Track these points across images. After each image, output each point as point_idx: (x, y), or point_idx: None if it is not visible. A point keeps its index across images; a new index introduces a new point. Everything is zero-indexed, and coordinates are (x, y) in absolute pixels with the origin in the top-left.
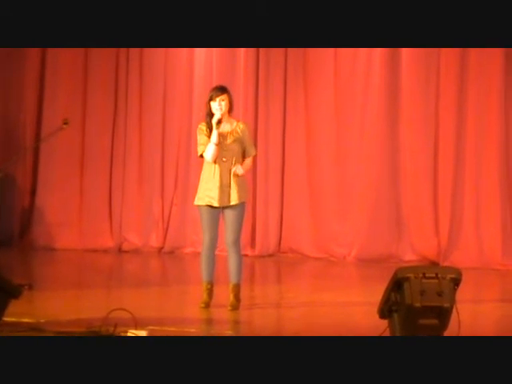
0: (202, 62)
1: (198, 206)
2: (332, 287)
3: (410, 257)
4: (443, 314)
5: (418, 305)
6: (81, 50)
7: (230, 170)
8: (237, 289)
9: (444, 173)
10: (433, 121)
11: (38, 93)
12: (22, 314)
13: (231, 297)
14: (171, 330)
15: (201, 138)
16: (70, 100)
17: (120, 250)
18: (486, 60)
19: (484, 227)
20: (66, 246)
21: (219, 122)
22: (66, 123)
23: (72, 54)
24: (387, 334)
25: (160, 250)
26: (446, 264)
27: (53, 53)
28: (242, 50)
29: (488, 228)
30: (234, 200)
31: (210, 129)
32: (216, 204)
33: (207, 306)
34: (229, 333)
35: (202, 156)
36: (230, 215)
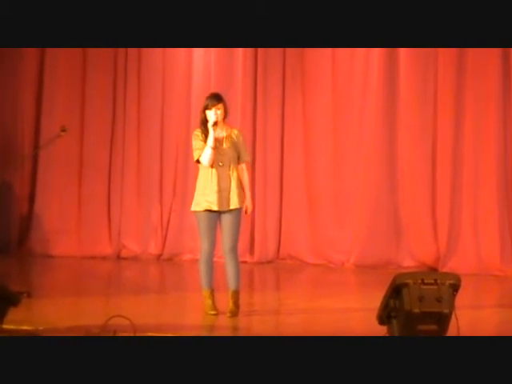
0: (200, 68)
1: (196, 212)
2: (331, 294)
3: (408, 263)
4: (442, 320)
5: (416, 311)
6: (79, 58)
7: (228, 175)
8: (236, 295)
9: (442, 179)
10: (431, 127)
11: (36, 100)
12: (20, 321)
13: (230, 303)
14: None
15: (196, 143)
16: (68, 107)
17: (119, 257)
18: (484, 61)
19: (482, 233)
20: (65, 253)
21: (215, 124)
22: (63, 130)
23: (69, 62)
24: None
25: (159, 256)
26: (444, 270)
27: (51, 59)
28: (240, 52)
29: (486, 234)
30: (234, 204)
31: (206, 135)
32: (215, 208)
33: (218, 312)
34: None
35: (198, 161)
36: (228, 220)
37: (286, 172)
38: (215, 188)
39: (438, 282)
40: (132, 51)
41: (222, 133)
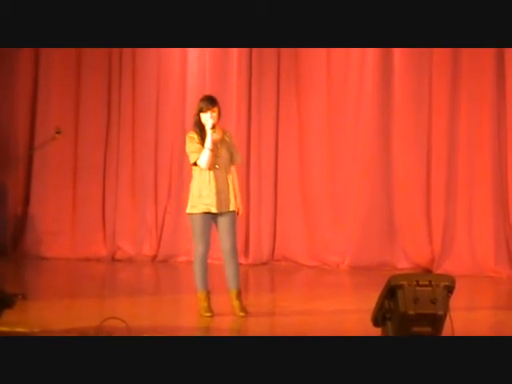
0: (194, 70)
1: (192, 214)
2: (326, 295)
3: (403, 264)
4: (437, 322)
5: (411, 312)
6: (73, 59)
7: (225, 177)
8: (241, 294)
9: (437, 181)
10: (425, 129)
11: (31, 102)
12: (15, 323)
13: (238, 303)
14: None
15: (192, 145)
16: (62, 109)
17: (113, 259)
18: (478, 62)
19: (477, 235)
20: (59, 255)
21: (214, 126)
22: (58, 132)
23: (64, 63)
24: None
25: (153, 258)
26: (439, 271)
27: (45, 59)
28: (235, 55)
29: (481, 235)
30: (233, 206)
31: (202, 137)
32: (214, 210)
33: (213, 314)
34: None
35: (194, 164)
36: (225, 222)
37: (281, 174)
38: (214, 190)
39: (433, 283)
40: (126, 52)
41: (217, 135)
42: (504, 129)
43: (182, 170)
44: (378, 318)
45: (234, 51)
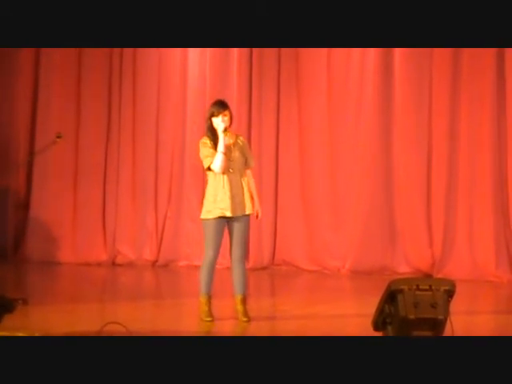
0: (195, 73)
1: (206, 219)
2: (326, 300)
3: (403, 269)
4: (437, 326)
5: (411, 317)
6: (73, 61)
7: (239, 180)
8: (245, 300)
9: (437, 184)
10: (426, 133)
11: (31, 107)
12: (16, 328)
13: (242, 308)
14: None
15: (206, 150)
16: (63, 114)
17: (114, 264)
18: (479, 62)
19: (477, 239)
20: (60, 259)
21: (225, 130)
22: (59, 137)
23: (65, 65)
24: None
25: (154, 263)
26: (439, 276)
27: (46, 62)
28: (235, 56)
29: (481, 240)
30: (249, 209)
31: (214, 142)
32: (229, 214)
33: (213, 319)
34: None
35: (208, 168)
36: (238, 228)
37: (281, 179)
38: (228, 194)
39: (433, 287)
40: (127, 52)
41: (230, 139)
42: (504, 131)
43: (183, 175)
44: (379, 323)
45: (235, 52)
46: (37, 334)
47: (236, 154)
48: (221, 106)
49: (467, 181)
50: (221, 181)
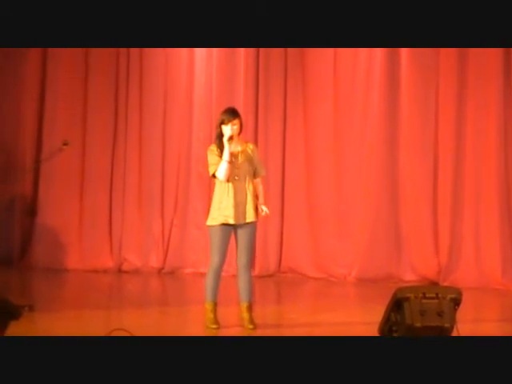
0: (201, 77)
1: (211, 226)
2: (332, 307)
3: (409, 277)
4: (444, 334)
5: (418, 325)
6: (80, 63)
7: (244, 188)
8: (251, 307)
9: (443, 193)
10: (432, 140)
11: (38, 112)
12: (22, 334)
13: (247, 316)
14: None
15: (212, 158)
16: (69, 121)
17: (120, 271)
18: (485, 64)
19: (484, 247)
20: (66, 266)
21: (231, 138)
22: (65, 144)
23: (71, 67)
24: None
25: (160, 270)
26: (445, 284)
27: (52, 64)
28: (242, 58)
29: (488, 248)
30: (251, 217)
31: (221, 149)
32: (232, 221)
33: (219, 326)
34: None
35: (214, 176)
36: (244, 235)
37: (287, 184)
38: (232, 202)
39: (440, 296)
40: (134, 54)
41: (237, 147)
42: (511, 138)
43: (189, 182)
44: (385, 331)
45: (241, 54)
46: None
47: (243, 161)
48: (231, 114)
49: (473, 188)
50: (226, 188)
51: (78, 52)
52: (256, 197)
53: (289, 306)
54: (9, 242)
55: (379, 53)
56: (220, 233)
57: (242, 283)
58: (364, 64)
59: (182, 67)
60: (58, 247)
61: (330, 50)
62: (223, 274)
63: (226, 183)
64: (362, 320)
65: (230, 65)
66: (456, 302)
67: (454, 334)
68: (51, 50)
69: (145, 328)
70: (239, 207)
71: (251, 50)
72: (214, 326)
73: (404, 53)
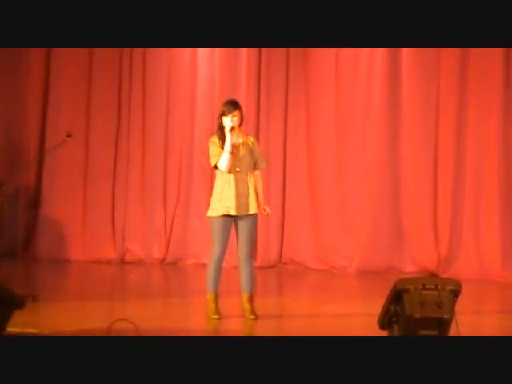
0: (204, 74)
1: (212, 217)
2: (333, 299)
3: (410, 268)
4: (443, 326)
5: (417, 316)
6: (84, 62)
7: (246, 180)
8: (252, 298)
9: (444, 186)
10: (433, 135)
11: (42, 106)
12: (25, 324)
13: (249, 306)
14: None
15: (214, 149)
16: (73, 113)
17: (123, 261)
18: (486, 63)
19: (483, 239)
20: (70, 257)
21: (232, 129)
22: (69, 136)
23: (75, 65)
24: None
25: (162, 261)
26: (445, 276)
27: (56, 62)
28: (244, 57)
29: (487, 240)
30: (253, 209)
31: (223, 141)
32: (233, 213)
33: (220, 316)
34: None
35: (215, 167)
36: (245, 226)
37: (289, 177)
38: (233, 193)
39: (439, 287)
40: (137, 53)
41: (238, 139)
42: (511, 133)
43: (191, 174)
44: (385, 322)
45: (243, 52)
46: (46, 331)
47: (244, 153)
48: (232, 105)
49: (473, 182)
50: (227, 179)
51: (81, 51)
52: (256, 189)
53: (290, 297)
54: (13, 234)
55: (380, 52)
56: (221, 224)
57: (244, 274)
58: (366, 62)
59: (185, 63)
60: (61, 239)
61: (332, 49)
62: (225, 264)
63: (227, 174)
64: (362, 311)
65: (232, 62)
66: (455, 294)
67: (453, 325)
68: (55, 50)
69: (147, 318)
70: (241, 199)
71: (253, 49)
72: (216, 317)
73: (405, 52)
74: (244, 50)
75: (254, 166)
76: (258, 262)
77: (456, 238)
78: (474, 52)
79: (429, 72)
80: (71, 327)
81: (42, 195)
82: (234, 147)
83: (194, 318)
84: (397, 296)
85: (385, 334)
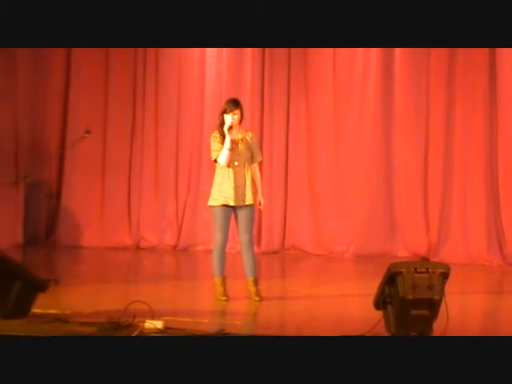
0: (212, 74)
1: (213, 206)
2: (331, 281)
3: (402, 253)
4: (433, 306)
5: (410, 297)
6: (101, 64)
7: (243, 173)
8: (257, 281)
9: (434, 178)
10: (423, 130)
11: (63, 105)
12: (48, 306)
13: (254, 289)
14: (185, 321)
15: (214, 144)
16: (91, 110)
17: (138, 248)
18: (473, 61)
19: (470, 226)
20: (89, 244)
21: (230, 128)
22: (88, 132)
23: (93, 67)
24: (382, 324)
25: (174, 247)
26: (435, 260)
27: (75, 65)
28: (249, 56)
29: (474, 227)
30: (249, 200)
31: (223, 136)
32: (232, 203)
33: (228, 298)
34: (238, 323)
35: (215, 161)
36: (244, 215)
37: (291, 170)
38: (232, 185)
39: (430, 270)
40: (150, 54)
41: (237, 135)
42: (496, 127)
43: (200, 167)
44: (380, 302)
45: (248, 52)
46: (67, 312)
47: (242, 148)
48: (233, 104)
49: (461, 174)
50: (227, 172)
51: (99, 52)
52: (253, 181)
53: (292, 280)
54: (36, 224)
55: (375, 52)
56: (221, 213)
57: (246, 260)
58: (361, 61)
59: (195, 62)
60: (80, 227)
61: (330, 49)
62: (231, 250)
63: (226, 168)
64: (358, 292)
65: (238, 61)
66: (445, 276)
67: (443, 305)
68: (74, 52)
69: (160, 300)
70: (239, 190)
71: (257, 49)
72: (224, 298)
73: (398, 52)
74: (249, 50)
75: (252, 160)
76: (263, 248)
77: (445, 225)
78: (461, 52)
79: (419, 70)
80: (90, 308)
81: (63, 187)
82: (234, 142)
83: (203, 300)
84: (391, 278)
85: (380, 313)
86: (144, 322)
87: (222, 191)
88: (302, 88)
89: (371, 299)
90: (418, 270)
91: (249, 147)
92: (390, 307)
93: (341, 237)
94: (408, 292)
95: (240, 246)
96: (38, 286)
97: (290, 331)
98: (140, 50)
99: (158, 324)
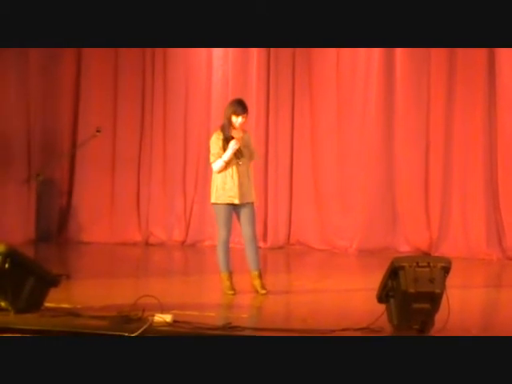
0: (219, 72)
1: (216, 204)
2: (335, 275)
3: (404, 248)
4: (435, 299)
5: (412, 291)
6: (111, 63)
7: (246, 172)
8: (261, 275)
9: (434, 174)
10: (424, 128)
11: (74, 104)
12: (60, 300)
13: (259, 282)
14: (193, 314)
15: (214, 147)
16: (101, 109)
17: (147, 243)
18: (472, 61)
19: (470, 221)
20: (99, 240)
21: (238, 141)
22: (98, 131)
23: (103, 67)
24: (385, 317)
25: (183, 243)
26: (436, 254)
27: (86, 64)
28: (255, 57)
29: (474, 222)
30: (252, 198)
31: (226, 140)
32: (237, 202)
33: (235, 292)
34: (244, 316)
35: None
36: (247, 212)
37: (296, 167)
38: (236, 183)
39: (431, 264)
40: (158, 54)
41: (239, 133)
42: (495, 125)
43: (208, 165)
44: (382, 296)
45: (254, 53)
46: (78, 306)
47: (244, 149)
48: (244, 107)
49: (461, 170)
50: (230, 171)
51: (108, 52)
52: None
53: (297, 275)
54: (48, 220)
55: (377, 52)
56: (225, 210)
57: (250, 254)
58: (363, 60)
59: (202, 62)
60: (91, 223)
61: (334, 49)
62: (237, 246)
63: (230, 167)
64: (361, 286)
65: (244, 61)
66: (446, 270)
67: (444, 298)
68: (85, 52)
69: (169, 295)
70: (243, 188)
71: (263, 49)
72: (231, 292)
73: (399, 52)
74: (254, 51)
75: (250, 158)
76: (268, 244)
77: (445, 220)
78: (461, 52)
79: (420, 69)
80: (101, 303)
81: (74, 184)
82: (237, 140)
83: (210, 294)
84: (393, 273)
85: (382, 306)
86: (153, 315)
87: (225, 190)
88: (306, 88)
89: (374, 293)
90: (420, 264)
91: (248, 146)
92: (392, 300)
93: (344, 232)
94: (410, 285)
95: (243, 240)
96: (50, 281)
97: (295, 324)
98: (148, 50)
99: (167, 317)
